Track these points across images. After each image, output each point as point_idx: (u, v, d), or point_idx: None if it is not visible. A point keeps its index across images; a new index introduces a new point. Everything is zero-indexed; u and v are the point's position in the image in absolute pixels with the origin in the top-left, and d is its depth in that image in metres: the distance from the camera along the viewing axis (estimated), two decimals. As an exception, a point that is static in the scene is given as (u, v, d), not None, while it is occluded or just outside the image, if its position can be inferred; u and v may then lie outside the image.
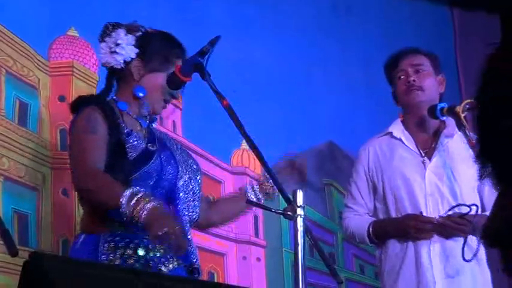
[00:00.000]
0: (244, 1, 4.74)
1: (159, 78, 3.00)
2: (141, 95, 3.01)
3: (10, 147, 3.40)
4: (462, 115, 3.41)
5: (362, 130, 5.20)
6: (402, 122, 3.75)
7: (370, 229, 3.66)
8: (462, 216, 3.48)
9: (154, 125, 3.14)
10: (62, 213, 3.51)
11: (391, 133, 3.73)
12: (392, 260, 3.63)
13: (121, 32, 3.00)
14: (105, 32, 3.02)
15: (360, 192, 3.74)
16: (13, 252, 2.48)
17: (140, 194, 2.66)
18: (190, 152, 3.27)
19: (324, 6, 5.32)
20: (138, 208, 2.63)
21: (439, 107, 3.53)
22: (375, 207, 3.73)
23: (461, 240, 3.49)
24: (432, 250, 3.53)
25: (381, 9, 5.70)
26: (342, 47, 5.36)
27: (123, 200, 2.65)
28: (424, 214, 3.54)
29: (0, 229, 2.54)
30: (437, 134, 3.68)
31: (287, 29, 5.00)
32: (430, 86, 3.65)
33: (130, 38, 3.00)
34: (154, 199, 2.69)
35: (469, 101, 3.44)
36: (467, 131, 3.45)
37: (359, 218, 3.73)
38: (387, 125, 3.80)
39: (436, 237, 3.54)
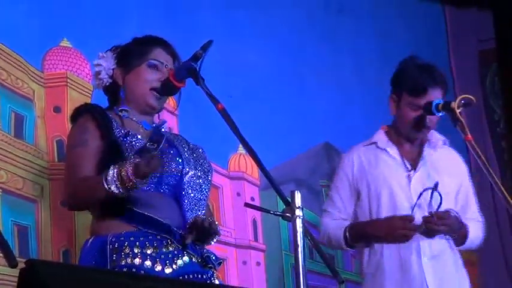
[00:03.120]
0: (233, 5, 4.73)
1: (138, 72, 3.04)
2: (122, 96, 3.05)
3: (7, 160, 3.41)
4: (457, 111, 3.42)
5: (357, 130, 5.20)
6: (386, 132, 3.77)
7: (347, 232, 3.68)
8: (445, 212, 3.53)
9: (163, 129, 3.12)
10: (61, 223, 3.51)
11: (375, 143, 3.75)
12: (376, 262, 3.65)
13: (100, 54, 3.10)
14: None
15: (340, 197, 3.76)
16: (13, 264, 2.48)
17: (115, 169, 2.70)
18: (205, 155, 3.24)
19: (315, 7, 5.32)
20: (123, 174, 2.68)
21: (434, 103, 3.54)
22: (356, 214, 3.74)
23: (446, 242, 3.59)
24: (423, 254, 3.56)
25: (372, 8, 5.70)
26: (334, 47, 5.36)
27: (108, 184, 2.69)
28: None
29: None
30: (421, 145, 3.72)
31: (278, 31, 5.00)
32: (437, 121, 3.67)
33: (109, 54, 3.10)
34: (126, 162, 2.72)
35: (463, 96, 3.45)
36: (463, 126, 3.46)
37: (336, 222, 3.74)
38: (382, 123, 3.82)
39: (424, 240, 3.57)
